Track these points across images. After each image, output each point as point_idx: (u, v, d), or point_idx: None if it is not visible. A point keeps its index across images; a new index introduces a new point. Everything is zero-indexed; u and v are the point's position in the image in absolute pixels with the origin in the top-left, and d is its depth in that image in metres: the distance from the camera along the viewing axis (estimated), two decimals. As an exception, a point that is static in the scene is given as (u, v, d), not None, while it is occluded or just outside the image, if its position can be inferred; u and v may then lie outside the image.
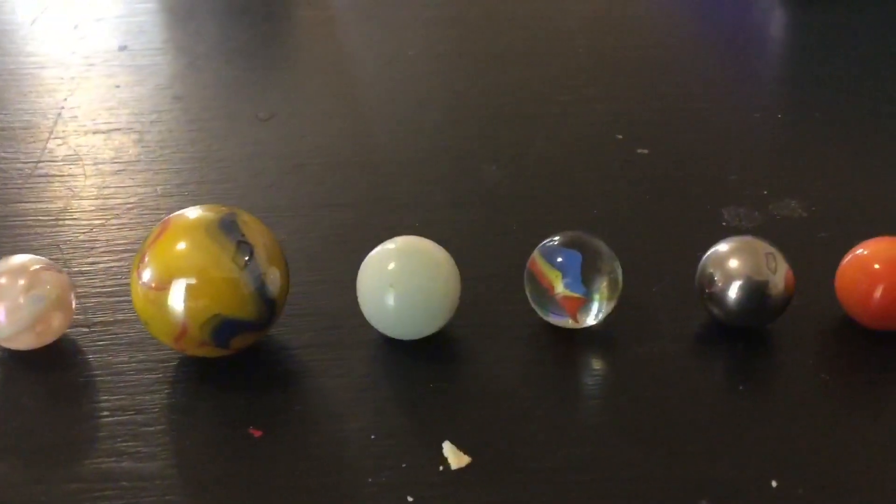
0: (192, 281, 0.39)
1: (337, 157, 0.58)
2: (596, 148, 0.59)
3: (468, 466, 0.38)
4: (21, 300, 0.41)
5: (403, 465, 0.38)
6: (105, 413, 0.40)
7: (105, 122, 0.62)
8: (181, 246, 0.40)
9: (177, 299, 0.39)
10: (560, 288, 0.42)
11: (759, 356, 0.43)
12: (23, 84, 0.68)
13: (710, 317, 0.44)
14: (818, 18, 0.75)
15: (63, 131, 0.61)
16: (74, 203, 0.54)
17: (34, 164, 0.58)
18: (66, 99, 0.65)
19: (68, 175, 0.56)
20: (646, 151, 0.58)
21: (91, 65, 0.70)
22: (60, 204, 0.54)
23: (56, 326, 0.43)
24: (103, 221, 0.52)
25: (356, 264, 0.43)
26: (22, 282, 0.41)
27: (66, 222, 0.52)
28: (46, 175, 0.57)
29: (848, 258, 0.44)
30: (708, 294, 0.43)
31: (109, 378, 0.42)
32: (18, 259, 0.43)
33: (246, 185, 0.56)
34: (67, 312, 0.43)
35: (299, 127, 0.62)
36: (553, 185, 0.56)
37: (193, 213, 0.41)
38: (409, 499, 0.36)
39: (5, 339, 0.42)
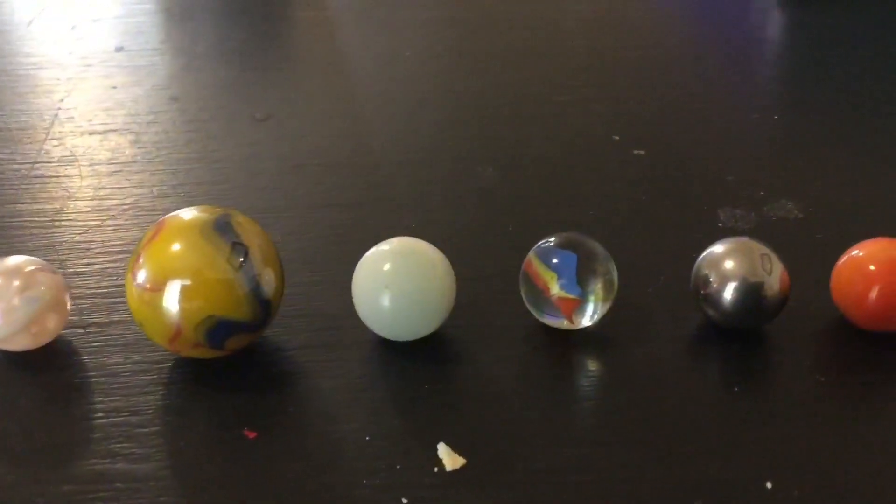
0: (187, 282, 0.39)
1: (334, 158, 0.58)
2: (593, 149, 0.59)
3: (463, 468, 0.38)
4: (16, 301, 0.41)
5: (398, 467, 0.38)
6: (99, 414, 0.40)
7: (101, 123, 0.62)
8: (176, 247, 0.40)
9: (171, 300, 0.39)
10: (555, 289, 0.42)
11: (755, 357, 0.43)
12: (20, 85, 0.68)
13: (706, 318, 0.44)
14: (816, 20, 0.75)
15: (59, 132, 0.61)
16: (70, 204, 0.54)
17: (30, 165, 0.58)
18: (62, 100, 0.65)
19: (64, 176, 0.56)
20: (642, 152, 0.58)
21: (88, 65, 0.70)
22: (56, 205, 0.54)
23: (51, 327, 0.43)
24: (99, 222, 0.52)
25: (353, 265, 0.43)
26: (17, 283, 0.41)
27: (62, 223, 0.52)
28: (43, 176, 0.57)
29: (843, 259, 0.44)
30: (703, 295, 0.43)
31: (104, 379, 0.42)
32: (13, 260, 0.43)
33: (242, 185, 0.56)
34: (62, 314, 0.43)
35: (296, 127, 0.62)
36: (550, 185, 0.56)
37: (188, 214, 0.41)
38: (404, 500, 0.36)
39: (0, 340, 0.42)
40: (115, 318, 0.45)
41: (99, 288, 0.47)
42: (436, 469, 0.38)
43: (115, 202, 0.54)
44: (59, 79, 0.68)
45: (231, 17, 0.79)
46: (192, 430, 0.40)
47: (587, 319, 0.43)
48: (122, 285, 0.43)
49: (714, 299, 0.42)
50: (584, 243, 0.43)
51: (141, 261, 0.40)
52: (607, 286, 0.43)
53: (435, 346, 0.43)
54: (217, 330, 0.40)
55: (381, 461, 0.38)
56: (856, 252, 0.43)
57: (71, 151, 0.59)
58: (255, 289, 0.40)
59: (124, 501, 0.36)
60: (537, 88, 0.66)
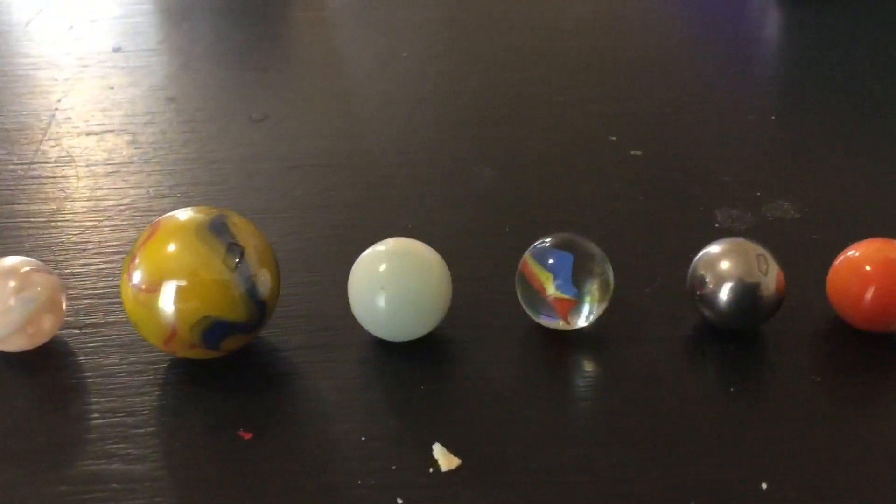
0: (183, 283, 0.39)
1: (331, 159, 0.58)
2: (590, 149, 0.59)
3: (458, 468, 0.38)
4: (12, 302, 0.41)
5: (393, 467, 0.38)
6: (95, 415, 0.40)
7: (98, 124, 0.62)
8: (171, 248, 0.40)
9: (167, 301, 0.39)
10: (551, 289, 0.42)
11: (751, 358, 0.43)
12: (17, 85, 0.68)
13: (702, 318, 0.44)
14: (813, 19, 0.75)
15: (56, 133, 0.61)
16: (67, 205, 0.54)
17: (27, 166, 0.58)
18: (59, 100, 0.65)
19: (61, 177, 0.56)
20: (639, 153, 0.58)
21: (85, 66, 0.70)
22: (53, 206, 0.54)
23: (47, 328, 0.43)
24: (95, 223, 0.52)
25: (349, 266, 0.43)
26: (12, 284, 0.41)
27: (59, 224, 0.52)
28: (39, 177, 0.57)
29: (839, 260, 0.44)
30: (699, 296, 0.43)
31: (100, 380, 0.42)
32: (9, 261, 0.43)
33: (239, 186, 0.56)
34: (58, 314, 0.43)
35: (293, 128, 0.62)
36: (547, 186, 0.56)
37: (184, 214, 0.41)
38: (399, 501, 0.36)
39: (-4, 340, 0.42)
40: (112, 318, 0.45)
41: (95, 289, 0.47)
42: (431, 469, 0.38)
43: (111, 203, 0.54)
44: (56, 79, 0.68)
45: (229, 18, 0.79)
46: (188, 430, 0.40)
47: (583, 320, 0.43)
48: (119, 286, 0.43)
49: (710, 300, 0.42)
50: (580, 244, 0.43)
51: (136, 261, 0.40)
52: (603, 287, 0.43)
53: (431, 346, 0.43)
54: (213, 331, 0.40)
55: (377, 461, 0.38)
56: (852, 252, 0.43)
57: (68, 152, 0.59)
58: (251, 289, 0.40)
59: (120, 502, 0.36)
60: (535, 89, 0.66)
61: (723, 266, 0.42)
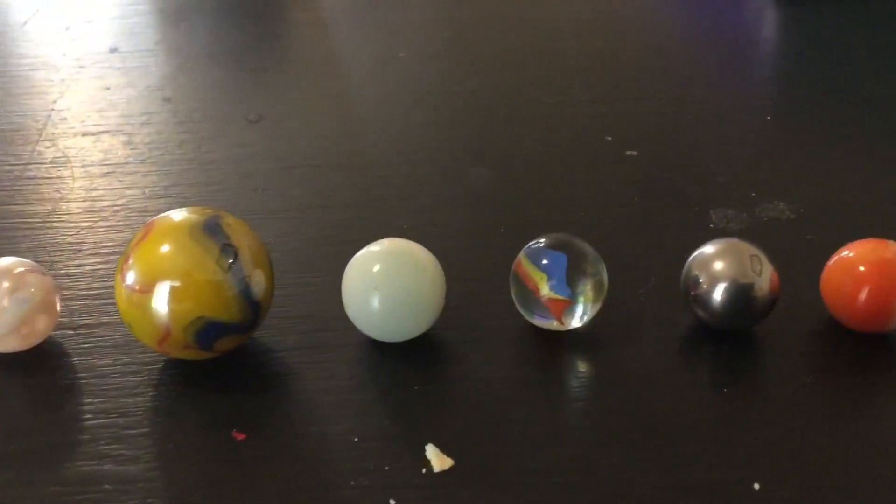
0: (176, 283, 0.39)
1: (326, 159, 0.58)
2: (585, 150, 0.59)
3: (451, 469, 0.38)
4: (5, 303, 0.41)
5: (386, 468, 0.38)
6: (88, 416, 0.40)
7: (94, 125, 0.62)
8: (165, 248, 0.40)
9: (160, 302, 0.39)
10: (545, 290, 0.42)
11: (744, 358, 0.43)
12: (13, 86, 0.68)
13: (696, 319, 0.44)
14: (809, 20, 0.75)
15: (52, 133, 0.61)
16: (62, 205, 0.54)
17: (23, 167, 0.58)
18: (56, 101, 0.65)
19: (56, 177, 0.56)
20: (635, 153, 0.58)
21: (82, 67, 0.70)
22: (48, 206, 0.54)
23: (41, 329, 0.43)
24: (91, 224, 0.52)
25: (344, 267, 0.43)
26: (6, 284, 0.41)
27: (54, 225, 0.52)
28: (35, 177, 0.57)
29: (833, 260, 0.44)
30: (693, 296, 0.43)
31: (93, 381, 0.42)
32: (3, 262, 0.43)
33: (234, 187, 0.56)
34: (52, 315, 0.43)
35: (289, 129, 0.62)
36: (542, 186, 0.56)
37: (178, 215, 0.41)
38: (392, 501, 0.36)
39: (-10, 341, 0.42)
40: (106, 319, 0.45)
41: (90, 289, 0.47)
42: (424, 470, 0.38)
43: (106, 203, 0.54)
44: (52, 80, 0.68)
45: (225, 19, 0.79)
46: (182, 431, 0.40)
47: (576, 320, 0.43)
48: (113, 286, 0.43)
49: (704, 300, 0.42)
50: (575, 244, 0.43)
51: (130, 262, 0.40)
52: (597, 287, 0.43)
53: (425, 347, 0.43)
54: (206, 331, 0.40)
55: (370, 462, 0.38)
56: (846, 253, 0.43)
57: (63, 153, 0.59)
58: (245, 290, 0.40)
59: (112, 503, 0.36)
60: (531, 89, 0.66)
61: (717, 266, 0.42)
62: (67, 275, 0.48)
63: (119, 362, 0.43)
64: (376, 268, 0.42)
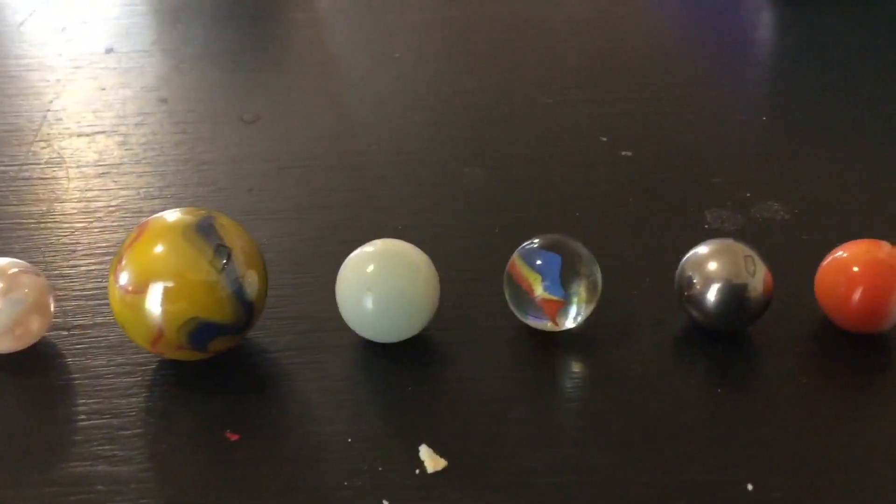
0: (169, 284, 0.39)
1: (321, 160, 0.58)
2: (580, 150, 0.59)
3: (444, 470, 0.38)
4: (-1, 303, 0.41)
5: (380, 469, 0.38)
6: (82, 417, 0.40)
7: (90, 125, 0.62)
8: (158, 249, 0.40)
9: (154, 302, 0.39)
10: (539, 290, 0.42)
11: (738, 359, 0.43)
12: (9, 87, 0.68)
13: (690, 319, 0.44)
14: (805, 20, 0.75)
15: (48, 134, 0.61)
16: (57, 206, 0.54)
17: (18, 168, 0.58)
18: (51, 102, 0.65)
19: (51, 178, 0.56)
20: (630, 154, 0.58)
21: (77, 67, 0.70)
22: (43, 207, 0.54)
23: (34, 330, 0.43)
24: (85, 224, 0.52)
25: (338, 267, 0.43)
26: (0, 285, 0.41)
27: (48, 225, 0.52)
28: (30, 178, 0.57)
29: (827, 261, 0.44)
30: (687, 297, 0.43)
31: (87, 381, 0.42)
32: (-3, 262, 0.43)
33: (229, 187, 0.56)
34: (46, 316, 0.43)
35: (285, 129, 0.62)
36: (537, 187, 0.56)
37: (171, 216, 0.41)
38: (385, 502, 0.36)
39: (-17, 342, 0.42)
40: (100, 320, 0.45)
41: (84, 290, 0.47)
42: (417, 471, 0.38)
43: (101, 204, 0.54)
44: (48, 81, 0.68)
45: (221, 19, 0.79)
46: (175, 432, 0.40)
47: (570, 321, 0.43)
48: (107, 287, 0.43)
49: (697, 301, 0.42)
50: (568, 245, 0.43)
51: (123, 263, 0.40)
52: (591, 288, 0.43)
53: (419, 347, 0.43)
54: (200, 332, 0.40)
55: (363, 463, 0.38)
56: (840, 253, 0.43)
57: (59, 153, 0.59)
58: (238, 291, 0.40)
59: (105, 504, 0.37)
60: (526, 90, 0.66)
61: (710, 267, 0.42)
62: (62, 275, 0.48)
63: (113, 363, 0.43)
64: (370, 268, 0.42)
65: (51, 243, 0.51)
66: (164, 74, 0.69)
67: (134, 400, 0.41)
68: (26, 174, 0.57)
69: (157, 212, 0.42)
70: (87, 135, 0.61)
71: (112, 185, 0.56)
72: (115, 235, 0.51)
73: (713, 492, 0.37)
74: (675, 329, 0.44)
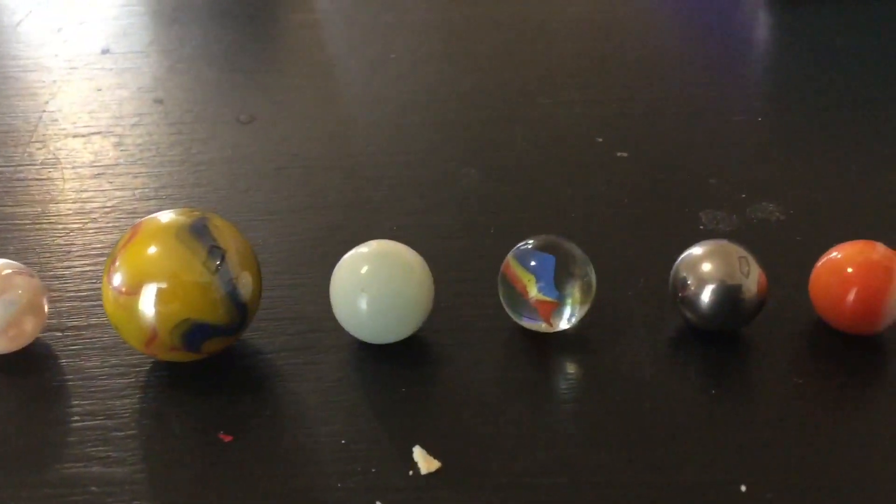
0: (163, 285, 0.39)
1: (317, 161, 0.58)
2: (576, 151, 0.59)
3: (438, 471, 0.38)
4: (-8, 305, 0.41)
5: (373, 470, 0.38)
6: (75, 418, 0.40)
7: (85, 126, 0.62)
8: (151, 250, 0.40)
9: (147, 304, 0.39)
10: (533, 291, 0.42)
11: (732, 360, 0.43)
12: (5, 88, 0.68)
13: (684, 320, 0.44)
14: (801, 22, 0.75)
15: (43, 135, 0.61)
16: (52, 207, 0.54)
17: (14, 168, 0.58)
18: (47, 102, 0.65)
19: (47, 179, 0.56)
20: (625, 154, 0.58)
21: (73, 68, 0.70)
22: (38, 208, 0.54)
23: (28, 331, 0.43)
24: (80, 225, 0.52)
25: (333, 268, 0.43)
26: (-7, 286, 0.41)
27: (43, 226, 0.52)
28: (25, 179, 0.57)
29: (821, 262, 0.44)
30: (681, 298, 0.43)
31: (81, 382, 0.42)
32: (-9, 264, 0.43)
33: (225, 188, 0.56)
34: (40, 317, 0.43)
35: (280, 130, 0.62)
36: (532, 187, 0.56)
37: (165, 216, 0.41)
38: (378, 503, 0.36)
39: (-23, 343, 0.42)
40: (94, 321, 0.45)
41: (78, 291, 0.47)
42: (411, 472, 0.38)
43: (96, 205, 0.54)
44: (44, 81, 0.68)
45: (218, 20, 0.79)
46: (168, 433, 0.40)
47: (565, 322, 0.43)
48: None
49: (691, 301, 0.42)
50: (563, 246, 0.43)
51: (117, 264, 0.40)
52: (585, 289, 0.43)
53: (413, 349, 0.43)
54: (193, 333, 0.40)
55: (357, 464, 0.38)
56: (834, 254, 0.43)
57: (54, 154, 0.59)
58: (232, 292, 0.40)
59: (98, 505, 0.37)
60: (522, 90, 0.66)
61: (704, 268, 0.42)
62: (56, 277, 0.48)
63: (107, 364, 0.43)
64: (364, 269, 0.42)
65: (46, 244, 0.51)
66: (160, 75, 0.69)
67: (128, 401, 0.41)
68: (22, 175, 0.57)
69: (153, 213, 0.42)
70: (83, 135, 0.61)
71: (107, 186, 0.56)
72: (110, 237, 0.51)
73: (707, 493, 0.37)
74: (670, 330, 0.44)
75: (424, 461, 0.38)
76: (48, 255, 0.50)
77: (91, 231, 0.52)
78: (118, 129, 0.62)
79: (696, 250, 0.43)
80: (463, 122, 0.63)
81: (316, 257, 0.49)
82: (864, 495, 0.37)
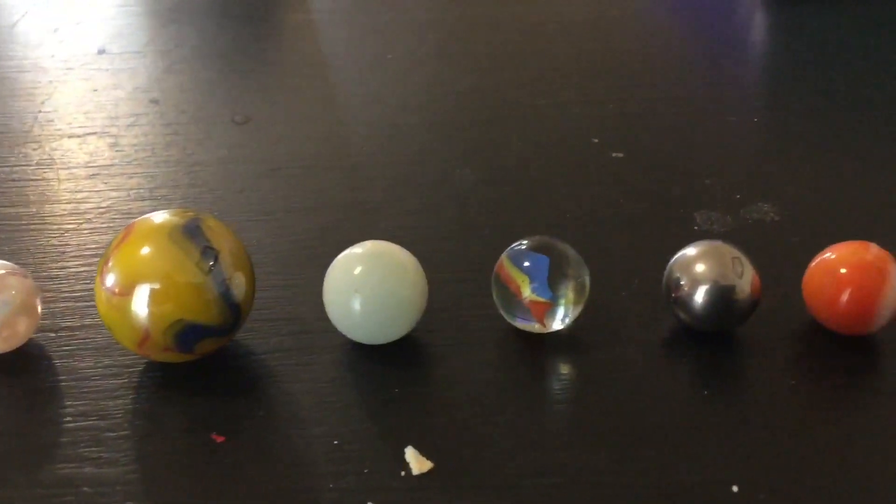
0: (156, 286, 0.39)
1: (312, 161, 0.58)
2: (571, 151, 0.59)
3: (430, 472, 0.38)
4: (-15, 305, 0.41)
5: (365, 471, 0.38)
6: (68, 419, 0.40)
7: (81, 126, 0.62)
8: (144, 251, 0.39)
9: (140, 304, 0.39)
10: (527, 292, 0.42)
11: (726, 360, 0.43)
12: (1, 88, 0.68)
13: (678, 321, 0.44)
14: (797, 23, 0.75)
15: (39, 135, 0.61)
16: (47, 208, 0.54)
17: (9, 169, 0.58)
18: (43, 103, 0.65)
19: (42, 179, 0.56)
20: (621, 155, 0.58)
21: (69, 68, 0.70)
22: (33, 209, 0.54)
23: (22, 331, 0.43)
24: (75, 226, 0.52)
25: (326, 269, 0.43)
26: (-13, 287, 0.41)
27: (38, 227, 0.52)
28: (20, 179, 0.57)
29: (815, 262, 0.44)
30: (674, 298, 0.43)
31: (74, 383, 0.42)
32: (-16, 264, 0.43)
33: (220, 188, 0.56)
34: (33, 317, 0.43)
35: (276, 131, 0.62)
36: (528, 188, 0.56)
37: (158, 217, 0.41)
38: (370, 504, 0.36)
39: (-30, 344, 0.42)
40: (88, 321, 0.45)
41: (72, 291, 0.47)
42: (403, 473, 0.38)
43: (91, 206, 0.54)
44: (40, 82, 0.68)
45: (214, 20, 0.79)
46: (161, 434, 0.40)
47: (558, 323, 0.43)
48: (94, 289, 0.43)
49: (685, 302, 0.42)
50: (556, 246, 0.43)
51: (109, 265, 0.40)
52: (578, 290, 0.43)
53: (407, 349, 0.43)
54: (186, 334, 0.40)
55: (349, 465, 0.38)
56: (827, 255, 0.43)
57: (49, 155, 0.59)
58: (225, 293, 0.40)
59: (90, 506, 0.37)
60: (518, 91, 0.66)
61: (698, 269, 0.42)
62: (50, 277, 0.48)
63: (100, 365, 0.43)
64: (357, 270, 0.42)
65: (40, 245, 0.51)
66: (156, 75, 0.69)
67: (121, 402, 0.41)
68: (17, 176, 0.57)
69: (147, 214, 0.42)
70: (79, 136, 0.61)
71: (102, 187, 0.56)
72: (104, 237, 0.51)
73: (699, 493, 0.37)
74: (663, 330, 0.44)
75: (417, 462, 0.38)
76: (42, 255, 0.50)
77: (86, 232, 0.52)
78: (114, 130, 0.62)
79: (690, 251, 0.43)
80: (459, 123, 0.63)
81: (309, 258, 0.49)
82: (856, 495, 0.37)
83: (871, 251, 0.42)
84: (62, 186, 0.56)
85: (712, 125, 0.62)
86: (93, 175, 0.57)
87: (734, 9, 0.79)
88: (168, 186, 0.56)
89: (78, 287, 0.47)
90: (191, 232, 0.40)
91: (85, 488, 0.37)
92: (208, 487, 0.37)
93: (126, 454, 0.39)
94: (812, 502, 0.37)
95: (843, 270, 0.42)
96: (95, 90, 0.67)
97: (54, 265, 0.49)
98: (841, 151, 0.58)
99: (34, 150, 0.60)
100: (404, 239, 0.44)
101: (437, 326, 0.45)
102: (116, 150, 0.59)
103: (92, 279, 0.48)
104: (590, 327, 0.44)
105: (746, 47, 0.75)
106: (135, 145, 0.60)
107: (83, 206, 0.54)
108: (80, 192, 0.55)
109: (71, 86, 0.67)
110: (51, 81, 0.68)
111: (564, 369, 0.43)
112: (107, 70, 0.69)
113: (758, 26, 0.77)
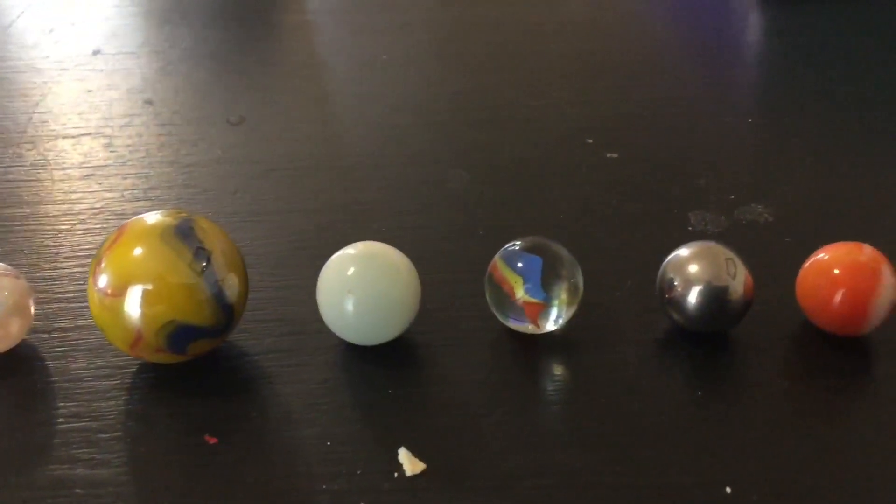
0: (148, 287, 0.39)
1: (306, 162, 0.58)
2: (565, 152, 0.59)
3: (423, 473, 0.38)
4: (-22, 306, 0.41)
5: (358, 472, 0.38)
6: (61, 420, 0.40)
7: (75, 127, 0.62)
8: (137, 252, 0.39)
9: (132, 305, 0.39)
10: (521, 293, 0.42)
11: (719, 361, 0.43)
12: (-4, 89, 0.68)
13: (671, 322, 0.44)
14: (792, 24, 0.75)
15: (33, 136, 0.61)
16: (41, 208, 0.54)
17: (3, 170, 0.57)
18: (37, 103, 0.65)
19: (36, 180, 0.56)
20: (615, 155, 0.58)
21: (64, 69, 0.70)
22: (27, 209, 0.54)
23: (14, 332, 0.43)
24: (69, 227, 0.52)
25: (320, 270, 0.43)
26: (-21, 288, 0.41)
27: (32, 227, 0.52)
28: (14, 180, 0.56)
29: (808, 263, 0.44)
30: (668, 299, 0.43)
31: (67, 384, 0.42)
32: (-23, 265, 0.42)
33: (214, 189, 0.56)
34: (26, 318, 0.43)
35: (270, 131, 0.62)
36: (522, 189, 0.56)
37: (150, 218, 0.41)
38: (362, 505, 0.36)
39: (-37, 345, 0.42)
40: (81, 322, 0.45)
41: (66, 292, 0.47)
42: (396, 474, 0.38)
43: (85, 206, 0.54)
44: (35, 82, 0.68)
45: (209, 21, 0.79)
46: (154, 435, 0.40)
47: (552, 324, 0.43)
48: (87, 290, 0.43)
49: (678, 303, 0.42)
50: (550, 247, 0.43)
51: (102, 265, 0.40)
52: (572, 290, 0.43)
53: (400, 350, 0.43)
54: (179, 335, 0.40)
55: (342, 466, 0.38)
56: (821, 256, 0.43)
57: (43, 155, 0.59)
58: (218, 294, 0.40)
59: (82, 507, 0.36)
60: (512, 92, 0.66)
61: (691, 269, 0.42)
62: (43, 278, 0.48)
63: (93, 366, 0.43)
64: (350, 271, 0.42)
65: (34, 245, 0.51)
66: (150, 76, 0.69)
67: (113, 403, 0.41)
68: (11, 176, 0.57)
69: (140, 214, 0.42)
70: (73, 137, 0.61)
71: (96, 187, 0.56)
72: (98, 238, 0.51)
73: (692, 494, 0.37)
74: (657, 331, 0.44)
75: (410, 463, 0.38)
76: (36, 256, 0.50)
77: (79, 232, 0.52)
78: (108, 131, 0.61)
79: (683, 251, 0.43)
80: (453, 124, 0.63)
81: (303, 259, 0.49)
82: (850, 497, 0.37)
83: (865, 252, 0.42)
84: (56, 187, 0.56)
85: (707, 126, 0.62)
86: (87, 176, 0.57)
87: (729, 10, 0.79)
88: (162, 187, 0.56)
89: (71, 288, 0.47)
90: (183, 233, 0.40)
91: (77, 490, 0.37)
92: (201, 489, 0.37)
93: (119, 455, 0.39)
94: (805, 503, 0.37)
95: (836, 271, 0.42)
96: (90, 91, 0.66)
97: (48, 266, 0.49)
98: (835, 152, 0.58)
99: (28, 150, 0.59)
100: (399, 239, 0.44)
101: (429, 327, 0.45)
102: (111, 151, 0.59)
103: (85, 280, 0.48)
104: (583, 328, 0.44)
105: (741, 48, 0.75)
106: (129, 146, 0.60)
107: (77, 207, 0.54)
108: (75, 192, 0.55)
109: (65, 86, 0.67)
110: (45, 82, 0.68)
111: (558, 370, 0.43)
112: (101, 71, 0.69)
113: (753, 27, 0.77)
